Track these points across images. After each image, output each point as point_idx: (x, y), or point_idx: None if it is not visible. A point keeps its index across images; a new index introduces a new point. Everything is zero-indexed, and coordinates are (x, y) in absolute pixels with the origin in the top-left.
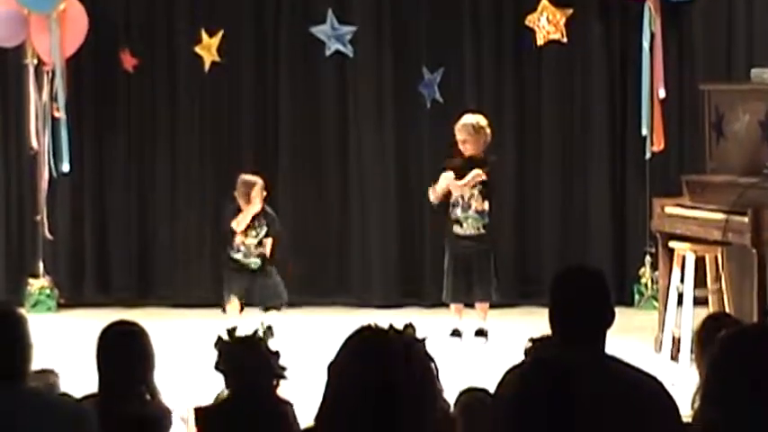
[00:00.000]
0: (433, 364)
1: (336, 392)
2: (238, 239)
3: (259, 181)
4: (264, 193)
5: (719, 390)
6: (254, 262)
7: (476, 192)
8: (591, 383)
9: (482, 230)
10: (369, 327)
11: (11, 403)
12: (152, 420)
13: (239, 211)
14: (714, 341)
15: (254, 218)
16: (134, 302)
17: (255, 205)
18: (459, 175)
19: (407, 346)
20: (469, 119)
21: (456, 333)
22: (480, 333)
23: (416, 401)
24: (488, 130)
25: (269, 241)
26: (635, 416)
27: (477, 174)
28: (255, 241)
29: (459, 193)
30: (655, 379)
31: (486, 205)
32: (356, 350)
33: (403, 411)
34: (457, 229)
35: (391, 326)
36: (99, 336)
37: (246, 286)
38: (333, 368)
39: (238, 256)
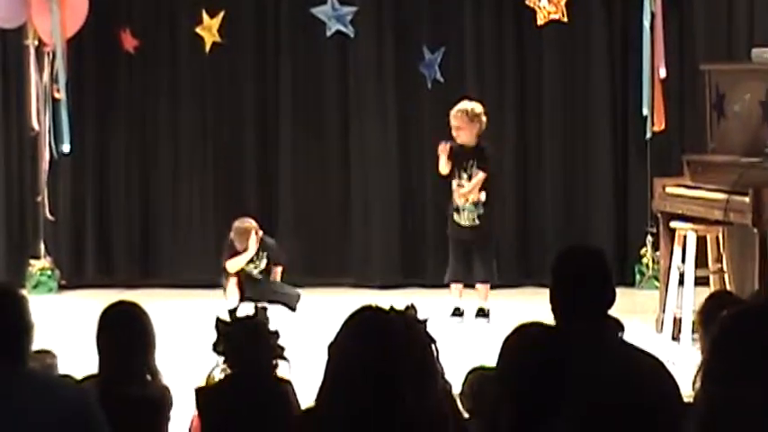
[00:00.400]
0: (433, 345)
1: (336, 372)
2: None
3: (252, 225)
4: (260, 233)
5: (720, 369)
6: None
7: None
8: (591, 362)
9: (477, 221)
10: (369, 307)
11: (10, 384)
12: (152, 401)
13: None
14: (716, 320)
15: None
16: (135, 283)
17: (250, 251)
18: (454, 163)
19: (407, 326)
20: (465, 105)
21: (457, 313)
22: (482, 313)
23: (416, 381)
24: (484, 118)
25: (279, 269)
26: (635, 394)
27: (478, 180)
28: (257, 271)
29: (459, 194)
30: (655, 358)
31: (483, 196)
32: (356, 330)
33: (403, 391)
34: (456, 217)
35: (392, 307)
36: (99, 316)
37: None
38: (333, 348)
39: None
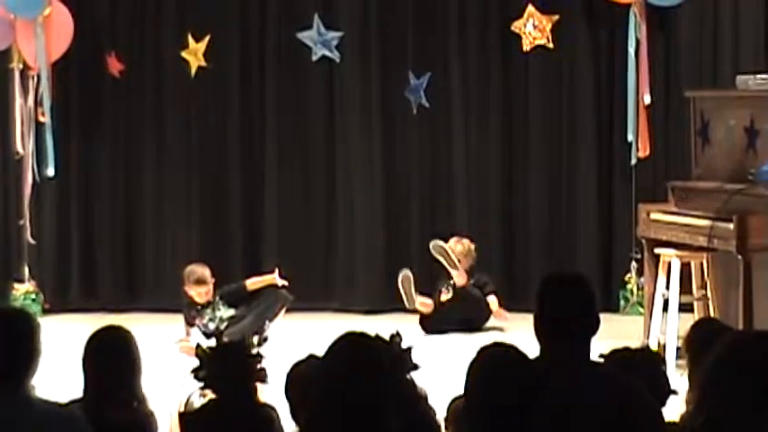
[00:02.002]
0: (413, 373)
1: (319, 404)
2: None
3: (201, 275)
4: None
5: (722, 398)
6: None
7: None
8: (572, 390)
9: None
10: (350, 334)
11: (12, 410)
12: (138, 426)
13: (193, 303)
14: (710, 346)
15: (204, 307)
16: (119, 307)
17: (192, 338)
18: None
19: (390, 354)
20: (459, 247)
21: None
22: None
23: (399, 408)
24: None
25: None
26: (618, 418)
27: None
28: (222, 325)
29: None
30: (636, 382)
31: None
32: (336, 362)
33: (386, 419)
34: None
35: (377, 335)
36: (86, 340)
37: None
38: (316, 380)
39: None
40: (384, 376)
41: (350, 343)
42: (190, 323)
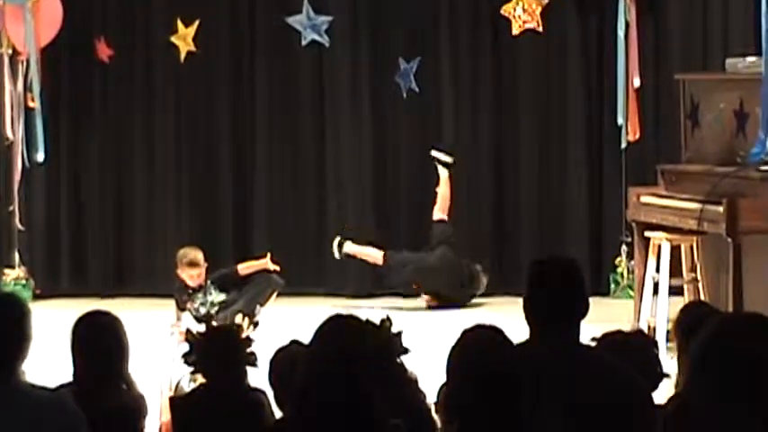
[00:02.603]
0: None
1: (305, 375)
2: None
3: (193, 258)
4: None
5: (705, 384)
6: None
7: None
8: (561, 373)
9: None
10: (338, 315)
11: (2, 396)
12: (128, 409)
13: (185, 287)
14: (699, 329)
15: (195, 291)
16: (110, 293)
17: (184, 322)
18: None
19: (374, 331)
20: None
21: None
22: None
23: (383, 380)
24: None
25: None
26: (606, 402)
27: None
28: (213, 309)
29: None
30: (627, 366)
31: None
32: (321, 334)
33: (368, 388)
34: None
35: (366, 320)
36: (73, 326)
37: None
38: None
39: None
40: (370, 359)
41: (336, 326)
42: (181, 308)
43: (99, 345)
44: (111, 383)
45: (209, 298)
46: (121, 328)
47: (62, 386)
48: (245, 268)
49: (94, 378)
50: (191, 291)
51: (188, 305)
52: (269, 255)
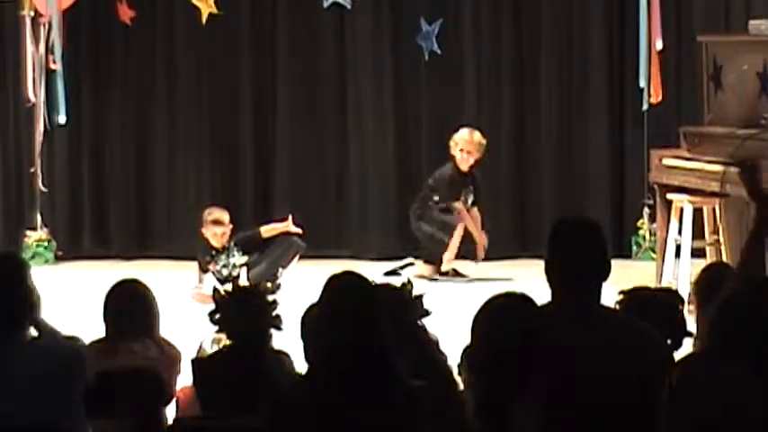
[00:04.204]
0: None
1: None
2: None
3: (218, 217)
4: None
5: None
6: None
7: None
8: (580, 332)
9: None
10: (344, 272)
11: (8, 351)
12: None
13: (208, 246)
14: (719, 289)
15: (219, 252)
16: (131, 255)
17: (207, 284)
18: (458, 192)
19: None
20: (477, 136)
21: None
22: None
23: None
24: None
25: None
26: (625, 361)
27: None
28: (235, 272)
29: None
30: (648, 326)
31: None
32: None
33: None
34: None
35: (387, 284)
36: (105, 296)
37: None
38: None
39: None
40: (383, 314)
41: (344, 281)
42: (204, 269)
43: (133, 304)
44: (141, 337)
45: (232, 260)
46: (153, 297)
47: (94, 342)
48: (267, 231)
49: (125, 334)
50: (214, 252)
51: (210, 266)
52: (291, 217)
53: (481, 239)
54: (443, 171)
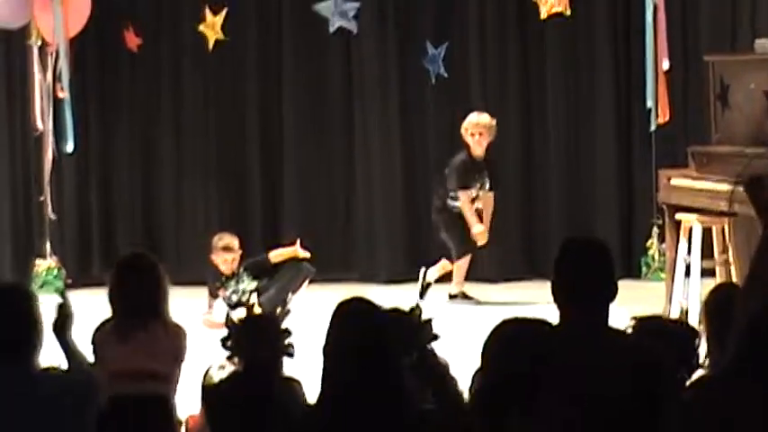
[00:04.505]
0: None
1: (328, 357)
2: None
3: (228, 243)
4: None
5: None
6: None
7: (481, 192)
8: (587, 353)
9: None
10: (353, 298)
11: (17, 382)
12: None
13: (218, 273)
14: (729, 310)
15: (229, 278)
16: None
17: (217, 312)
18: (473, 177)
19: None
20: (486, 117)
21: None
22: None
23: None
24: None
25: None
26: (633, 383)
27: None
28: (244, 296)
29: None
30: (657, 348)
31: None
32: (341, 318)
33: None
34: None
35: (395, 308)
36: (115, 264)
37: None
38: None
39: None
40: (381, 325)
41: (347, 304)
42: (213, 295)
43: (140, 281)
44: (149, 317)
45: (242, 286)
46: (160, 270)
47: (104, 323)
48: (276, 256)
49: (136, 311)
50: (224, 278)
51: (220, 292)
52: (298, 242)
53: (486, 226)
54: (456, 158)
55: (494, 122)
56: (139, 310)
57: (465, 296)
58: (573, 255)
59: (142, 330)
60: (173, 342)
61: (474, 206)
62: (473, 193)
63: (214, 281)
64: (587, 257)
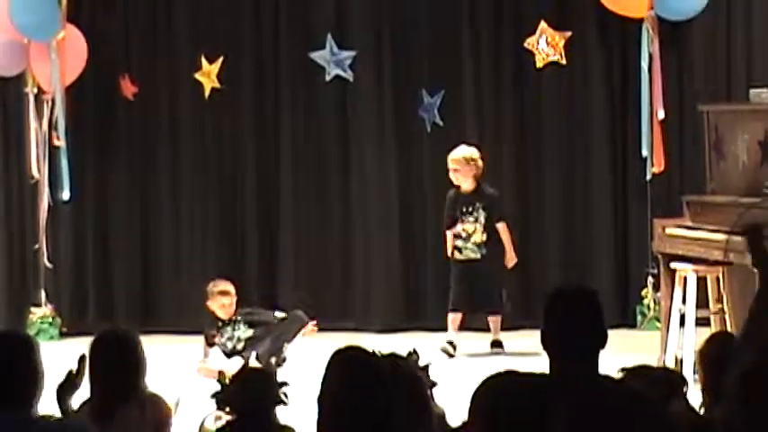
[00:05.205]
0: (429, 389)
1: (329, 422)
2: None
3: (224, 289)
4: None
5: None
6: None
7: (478, 225)
8: (580, 403)
9: (480, 258)
10: (351, 348)
11: (15, 428)
12: (151, 423)
13: (214, 319)
14: (725, 360)
15: (225, 325)
16: (138, 330)
17: (214, 362)
18: (461, 210)
19: (392, 367)
20: (461, 151)
21: (450, 344)
22: (497, 344)
23: (410, 420)
24: (480, 163)
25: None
26: (629, 426)
27: (507, 239)
28: (239, 345)
29: (462, 228)
30: (649, 400)
31: (485, 236)
32: (343, 376)
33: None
34: (457, 255)
35: (373, 351)
36: (91, 343)
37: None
38: (323, 397)
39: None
40: (387, 388)
41: (348, 357)
42: (210, 343)
43: (116, 360)
44: (127, 396)
45: (237, 333)
46: (139, 344)
47: (83, 403)
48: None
49: (111, 392)
50: (220, 324)
51: (216, 339)
52: (315, 321)
53: (510, 255)
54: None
55: (471, 154)
56: (116, 392)
57: (452, 346)
58: (560, 304)
59: (119, 413)
60: (152, 418)
61: (477, 238)
62: (459, 227)
63: (210, 328)
64: (574, 306)
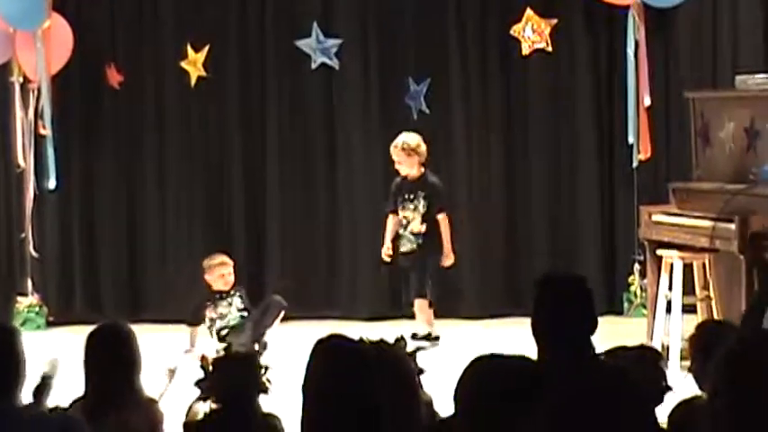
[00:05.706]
0: (417, 375)
1: (315, 410)
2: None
3: (222, 261)
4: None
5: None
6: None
7: (417, 214)
8: (569, 390)
9: (416, 248)
10: (335, 336)
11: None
12: (145, 424)
13: (211, 293)
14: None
15: (222, 298)
16: (124, 319)
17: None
18: (402, 197)
19: (378, 354)
20: (400, 140)
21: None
22: (414, 337)
23: (398, 408)
24: (422, 149)
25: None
26: (615, 409)
27: (446, 228)
28: (234, 320)
29: (402, 215)
30: (636, 386)
31: (425, 227)
32: (329, 364)
33: (384, 420)
34: (399, 244)
35: (361, 337)
36: (86, 338)
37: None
38: (308, 386)
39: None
40: (373, 376)
41: (333, 345)
42: (196, 318)
43: (112, 357)
44: (124, 396)
45: (233, 307)
46: (134, 340)
47: (75, 401)
48: None
49: (108, 391)
50: (217, 295)
51: (207, 311)
52: None
53: (447, 250)
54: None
55: (410, 143)
56: (111, 390)
57: (427, 337)
58: (548, 291)
59: (113, 412)
60: (146, 420)
61: (414, 227)
62: (401, 215)
63: (204, 301)
64: (563, 293)
